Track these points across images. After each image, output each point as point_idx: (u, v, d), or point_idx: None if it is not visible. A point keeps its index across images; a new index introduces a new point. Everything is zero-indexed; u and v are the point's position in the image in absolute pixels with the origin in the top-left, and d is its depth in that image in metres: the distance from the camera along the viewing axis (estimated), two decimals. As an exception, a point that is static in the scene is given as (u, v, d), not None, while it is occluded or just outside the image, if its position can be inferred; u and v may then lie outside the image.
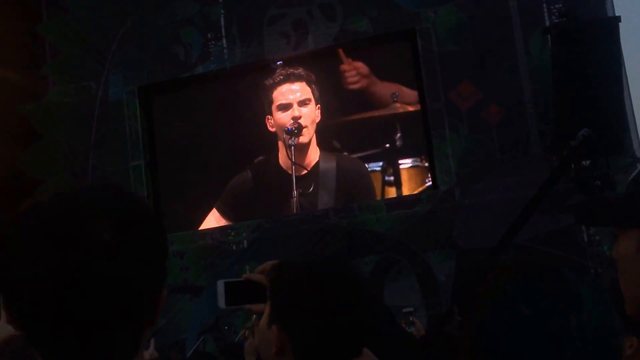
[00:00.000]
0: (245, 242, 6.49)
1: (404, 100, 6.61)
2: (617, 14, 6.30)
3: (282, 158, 6.48)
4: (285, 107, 6.43)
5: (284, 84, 6.48)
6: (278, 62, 6.68)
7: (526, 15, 6.37)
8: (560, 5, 6.36)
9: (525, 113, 6.27)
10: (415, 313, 4.87)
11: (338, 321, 1.17)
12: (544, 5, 6.44)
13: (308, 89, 6.48)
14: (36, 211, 0.77)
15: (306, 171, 6.42)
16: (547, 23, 6.36)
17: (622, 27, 6.05)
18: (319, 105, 6.52)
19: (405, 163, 6.56)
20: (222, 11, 6.78)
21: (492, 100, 6.27)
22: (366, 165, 6.63)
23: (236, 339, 6.00)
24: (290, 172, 6.29)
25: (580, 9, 6.15)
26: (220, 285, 1.33)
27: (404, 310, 4.76)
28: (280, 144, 6.51)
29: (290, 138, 6.25)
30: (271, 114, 6.50)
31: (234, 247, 6.50)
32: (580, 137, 4.61)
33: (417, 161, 6.57)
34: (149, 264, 0.78)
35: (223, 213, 6.64)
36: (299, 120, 6.33)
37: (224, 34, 6.78)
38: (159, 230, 0.81)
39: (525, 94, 6.28)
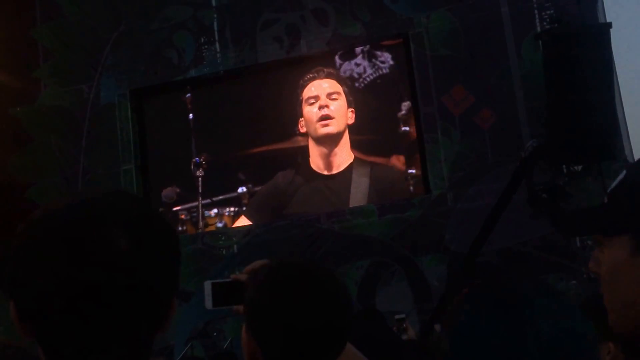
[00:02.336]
0: (235, 246, 6.44)
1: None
2: (608, 21, 6.33)
3: (313, 160, 6.53)
4: (313, 99, 6.49)
5: (314, 81, 6.56)
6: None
7: (518, 20, 6.39)
8: (552, 11, 6.39)
9: (517, 117, 6.27)
10: (407, 318, 4.84)
11: (307, 328, 1.10)
12: (536, 11, 6.47)
13: (338, 86, 6.55)
14: (51, 218, 0.77)
15: (337, 172, 6.49)
16: (539, 29, 6.38)
17: (613, 34, 6.09)
18: (352, 109, 6.55)
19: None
20: (216, 15, 6.79)
21: (485, 105, 6.28)
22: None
23: (224, 345, 5.93)
24: (320, 172, 6.45)
25: (571, 15, 6.16)
26: (208, 285, 1.33)
27: (397, 316, 4.74)
28: (310, 145, 6.55)
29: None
30: (302, 114, 6.56)
31: (224, 252, 6.45)
32: (530, 148, 4.57)
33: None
34: (164, 271, 0.79)
35: (251, 218, 6.63)
36: (326, 111, 6.38)
37: (217, 38, 6.78)
38: (173, 238, 0.82)
39: (517, 98, 6.29)
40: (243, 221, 6.65)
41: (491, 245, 5.98)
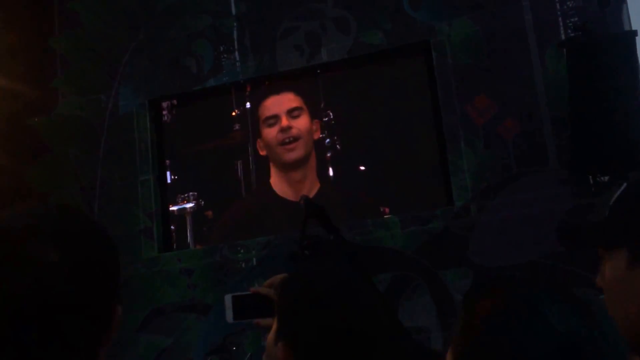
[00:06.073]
0: (254, 259, 6.35)
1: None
2: (633, 28, 6.24)
3: (275, 183, 6.07)
4: (273, 119, 6.00)
5: (269, 97, 6.13)
6: None
7: (542, 28, 6.30)
8: (576, 19, 6.29)
9: (541, 127, 6.17)
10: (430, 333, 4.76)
11: (344, 340, 1.10)
12: (560, 19, 6.37)
13: (298, 99, 6.07)
14: None
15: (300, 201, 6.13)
16: (563, 37, 6.29)
17: (639, 41, 5.99)
18: (317, 120, 6.11)
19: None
20: (235, 24, 6.74)
21: (508, 114, 6.18)
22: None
23: None
24: (288, 198, 5.88)
25: (596, 23, 6.07)
26: (228, 299, 1.35)
27: None
28: (272, 168, 6.14)
29: None
30: (260, 135, 6.09)
31: (243, 265, 6.36)
32: (302, 203, 4.30)
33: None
34: (99, 283, 0.76)
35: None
36: (289, 133, 5.79)
37: (236, 46, 6.71)
38: (108, 247, 0.79)
39: (541, 108, 6.19)
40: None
41: (516, 259, 5.88)
